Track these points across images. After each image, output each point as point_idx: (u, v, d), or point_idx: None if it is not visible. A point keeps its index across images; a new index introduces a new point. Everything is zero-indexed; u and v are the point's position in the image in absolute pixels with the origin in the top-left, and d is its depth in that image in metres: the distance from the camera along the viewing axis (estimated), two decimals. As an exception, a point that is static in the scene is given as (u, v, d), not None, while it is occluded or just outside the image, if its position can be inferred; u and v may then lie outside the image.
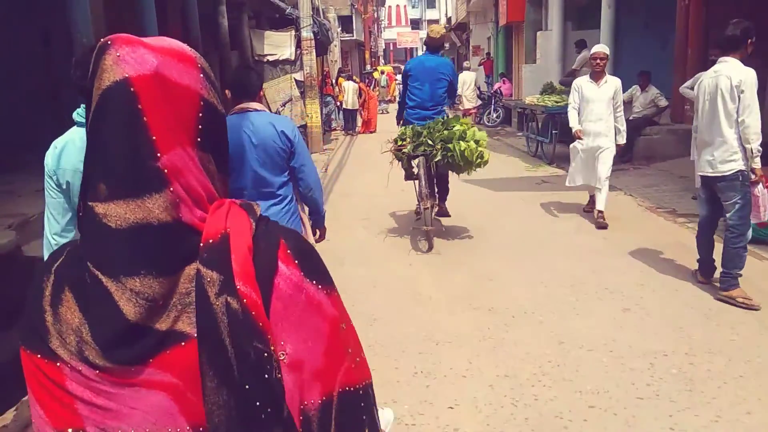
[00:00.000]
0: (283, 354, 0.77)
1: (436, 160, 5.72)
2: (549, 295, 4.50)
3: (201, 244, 0.76)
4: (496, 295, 4.54)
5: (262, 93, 3.18)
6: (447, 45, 46.93)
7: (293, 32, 12.44)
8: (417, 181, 6.00)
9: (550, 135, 10.04)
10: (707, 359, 3.44)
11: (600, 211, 6.21)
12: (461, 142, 5.61)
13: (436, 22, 57.22)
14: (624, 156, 9.54)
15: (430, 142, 5.75)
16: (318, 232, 3.39)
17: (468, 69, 18.45)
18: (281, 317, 0.78)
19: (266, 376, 0.74)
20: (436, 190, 6.32)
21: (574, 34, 14.12)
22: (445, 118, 6.13)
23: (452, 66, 6.71)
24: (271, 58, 12.40)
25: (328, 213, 3.53)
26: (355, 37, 28.02)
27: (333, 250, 5.89)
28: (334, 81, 17.89)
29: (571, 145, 6.63)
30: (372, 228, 6.67)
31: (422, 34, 58.27)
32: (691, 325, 3.88)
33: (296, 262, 0.80)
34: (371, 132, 17.54)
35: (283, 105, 9.88)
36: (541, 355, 3.55)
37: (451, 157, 5.65)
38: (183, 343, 0.75)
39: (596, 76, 6.39)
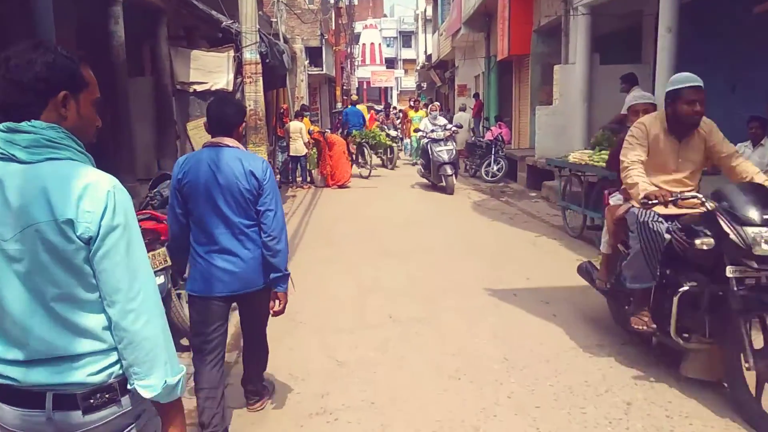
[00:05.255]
0: None
1: (370, 144, 15.59)
2: None
3: None
4: None
5: (241, 129, 3.07)
6: (425, 84, 44.55)
7: (232, 53, 8.87)
8: (361, 155, 15.52)
9: (611, 211, 6.57)
10: None
11: None
12: (379, 138, 16.01)
13: (413, 61, 54.84)
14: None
15: (366, 138, 15.56)
16: (279, 300, 2.98)
17: (463, 110, 17.74)
18: None
19: None
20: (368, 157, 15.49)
21: (602, 69, 10.99)
22: (371, 129, 16.65)
23: (360, 111, 17.64)
24: (199, 88, 8.76)
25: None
26: (324, 71, 24.65)
27: None
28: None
29: None
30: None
31: (397, 73, 55.96)
32: None
33: None
34: (340, 186, 13.41)
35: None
36: None
37: (376, 144, 15.91)
38: None
39: None
